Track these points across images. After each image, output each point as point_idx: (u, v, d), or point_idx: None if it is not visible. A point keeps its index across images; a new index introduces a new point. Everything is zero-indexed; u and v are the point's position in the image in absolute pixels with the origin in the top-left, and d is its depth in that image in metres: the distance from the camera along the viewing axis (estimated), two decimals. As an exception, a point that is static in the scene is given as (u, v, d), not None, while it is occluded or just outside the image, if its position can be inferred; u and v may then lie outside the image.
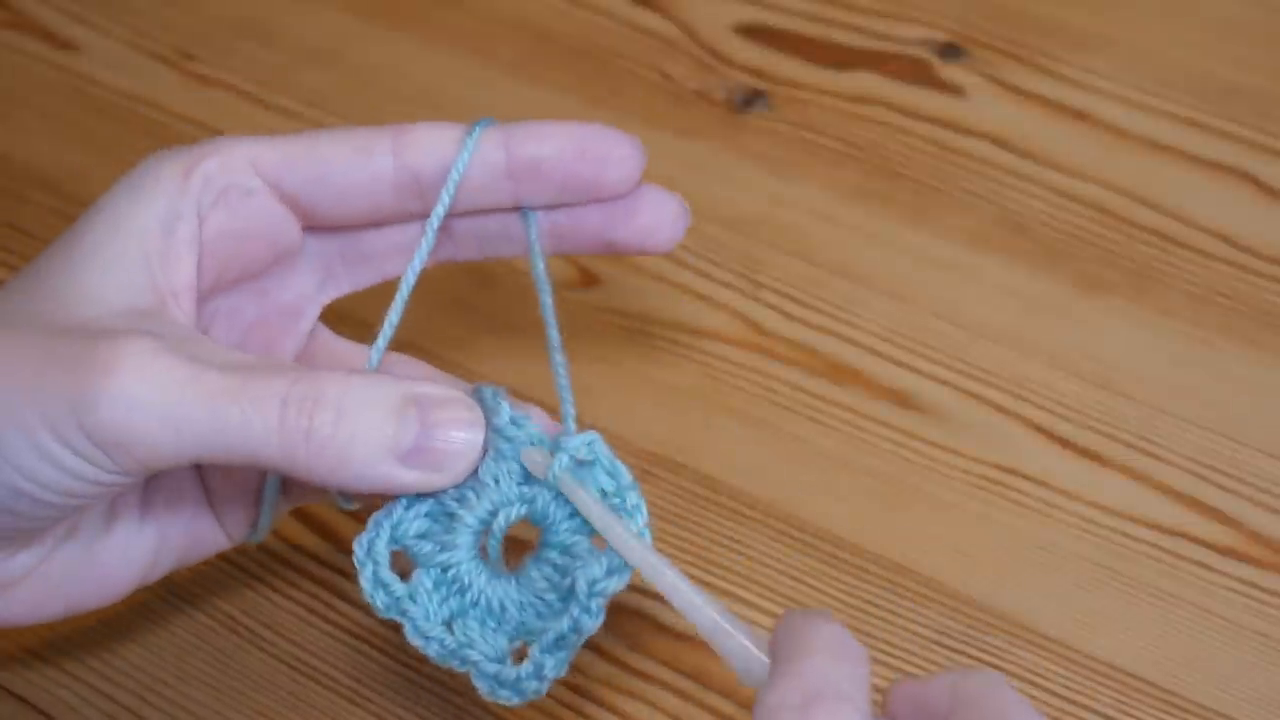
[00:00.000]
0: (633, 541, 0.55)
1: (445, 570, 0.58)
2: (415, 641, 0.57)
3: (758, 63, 0.88)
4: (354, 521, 0.72)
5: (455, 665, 0.57)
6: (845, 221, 0.81)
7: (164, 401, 0.54)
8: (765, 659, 0.52)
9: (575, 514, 0.57)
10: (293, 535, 0.72)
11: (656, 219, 0.61)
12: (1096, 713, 0.66)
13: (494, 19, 0.91)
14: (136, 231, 0.58)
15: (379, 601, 0.58)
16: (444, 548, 0.58)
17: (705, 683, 0.67)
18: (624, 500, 0.57)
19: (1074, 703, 0.66)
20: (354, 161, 0.59)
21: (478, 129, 0.60)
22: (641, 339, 0.77)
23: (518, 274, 0.79)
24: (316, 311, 0.63)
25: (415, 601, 0.57)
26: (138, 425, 0.54)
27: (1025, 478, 0.72)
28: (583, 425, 0.74)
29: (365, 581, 0.58)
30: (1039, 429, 0.74)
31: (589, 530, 0.57)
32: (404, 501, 0.58)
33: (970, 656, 0.67)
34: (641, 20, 0.90)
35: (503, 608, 0.58)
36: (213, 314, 0.61)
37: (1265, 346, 0.76)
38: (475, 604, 0.58)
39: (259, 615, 0.70)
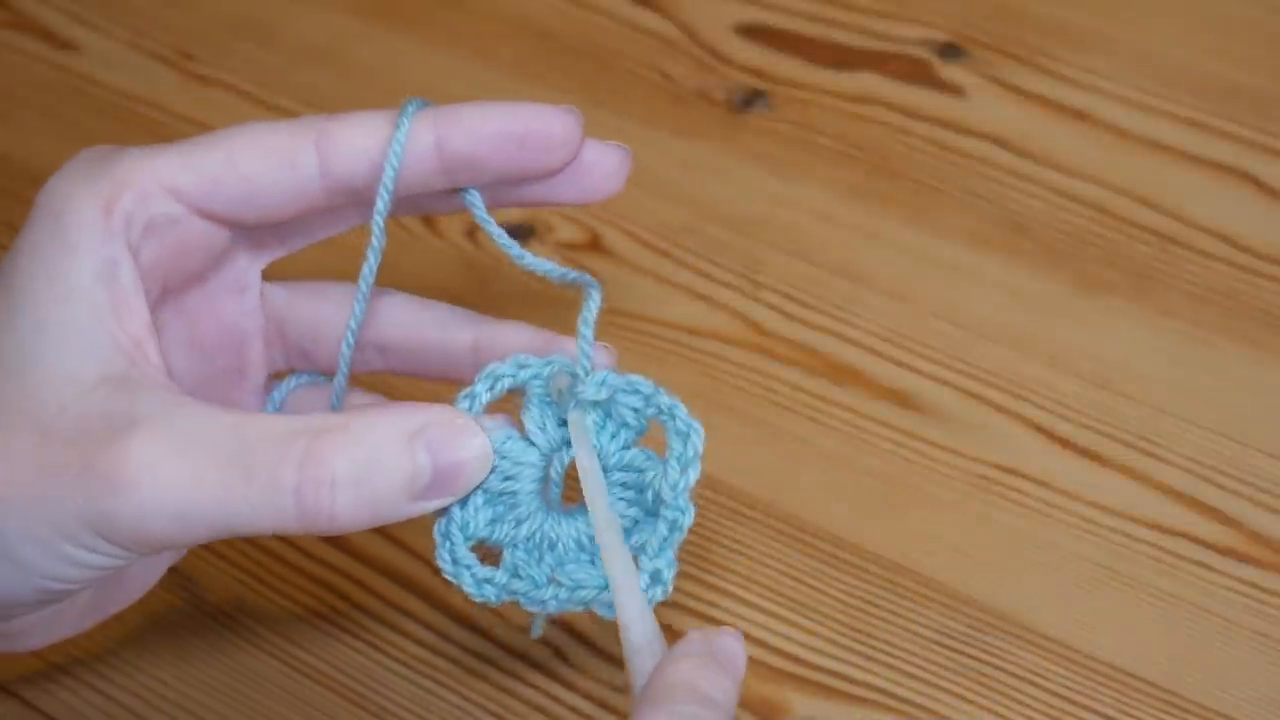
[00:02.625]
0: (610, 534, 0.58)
1: (529, 538, 0.59)
2: (534, 609, 0.59)
3: (758, 63, 0.88)
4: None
5: (577, 609, 0.59)
6: (845, 221, 0.81)
7: (176, 507, 0.54)
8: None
9: (619, 430, 0.59)
10: (292, 535, 0.72)
11: (599, 177, 0.59)
12: (1096, 713, 0.66)
13: (494, 19, 0.91)
14: (77, 291, 0.55)
15: (490, 595, 0.59)
16: (518, 521, 0.59)
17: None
18: (661, 410, 0.59)
19: (1074, 703, 0.66)
20: (278, 176, 0.57)
21: (405, 123, 0.58)
22: (641, 339, 0.77)
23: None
24: (257, 279, 0.62)
25: (520, 577, 0.59)
26: (154, 530, 0.54)
27: (1025, 478, 0.72)
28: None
29: (468, 587, 0.59)
30: (1039, 429, 0.74)
31: (637, 433, 0.59)
32: (455, 504, 0.58)
33: (970, 656, 0.67)
34: (641, 20, 0.90)
35: (582, 540, 0.59)
36: (159, 319, 0.60)
37: (1265, 346, 0.76)
38: (568, 551, 0.59)
39: (259, 615, 0.70)
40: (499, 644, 0.68)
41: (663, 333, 0.77)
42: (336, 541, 0.71)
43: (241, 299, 0.62)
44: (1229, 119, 0.84)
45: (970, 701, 0.66)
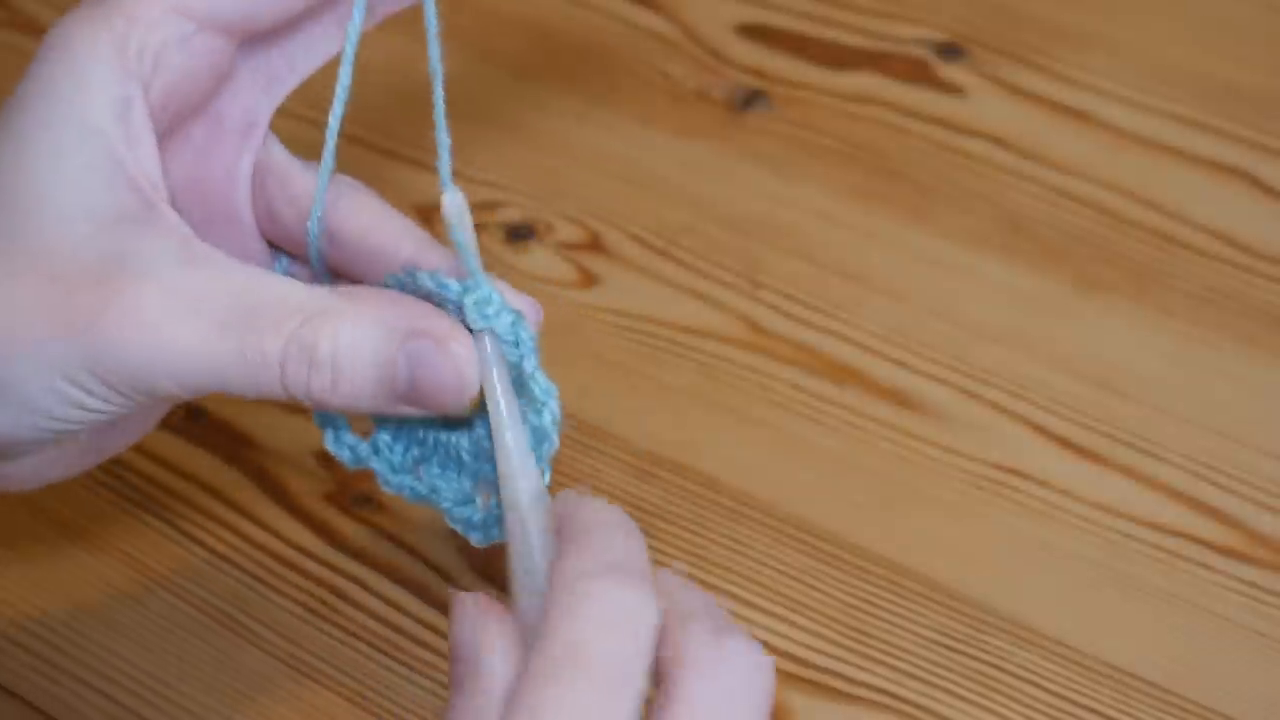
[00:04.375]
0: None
1: (401, 424, 0.60)
2: (386, 487, 0.60)
3: (758, 63, 0.88)
4: (353, 521, 0.72)
5: (431, 505, 0.59)
6: (845, 221, 0.81)
7: (176, 364, 0.54)
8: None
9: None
10: (293, 535, 0.72)
11: None
12: (1096, 713, 0.66)
13: (494, 19, 0.91)
14: (95, 129, 0.56)
15: (344, 456, 0.60)
16: None
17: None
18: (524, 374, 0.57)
19: (1074, 703, 0.66)
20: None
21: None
22: (641, 339, 0.77)
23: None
24: (267, 120, 0.61)
25: (378, 453, 0.60)
26: (154, 382, 0.55)
27: (1025, 478, 0.72)
28: (583, 425, 0.75)
29: (329, 443, 0.60)
30: (1039, 429, 0.74)
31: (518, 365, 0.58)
32: None
33: (970, 656, 0.67)
34: (641, 20, 0.90)
35: (459, 455, 0.59)
36: (164, 157, 0.59)
37: (1265, 346, 0.76)
38: (435, 451, 0.60)
39: (259, 615, 0.70)
40: (499, 644, 0.68)
41: (663, 333, 0.77)
42: (337, 541, 0.71)
43: (248, 141, 0.61)
44: (1229, 119, 0.84)
45: (970, 701, 0.66)
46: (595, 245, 0.81)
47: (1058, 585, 0.69)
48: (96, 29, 0.56)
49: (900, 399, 0.75)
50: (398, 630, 0.69)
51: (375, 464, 0.60)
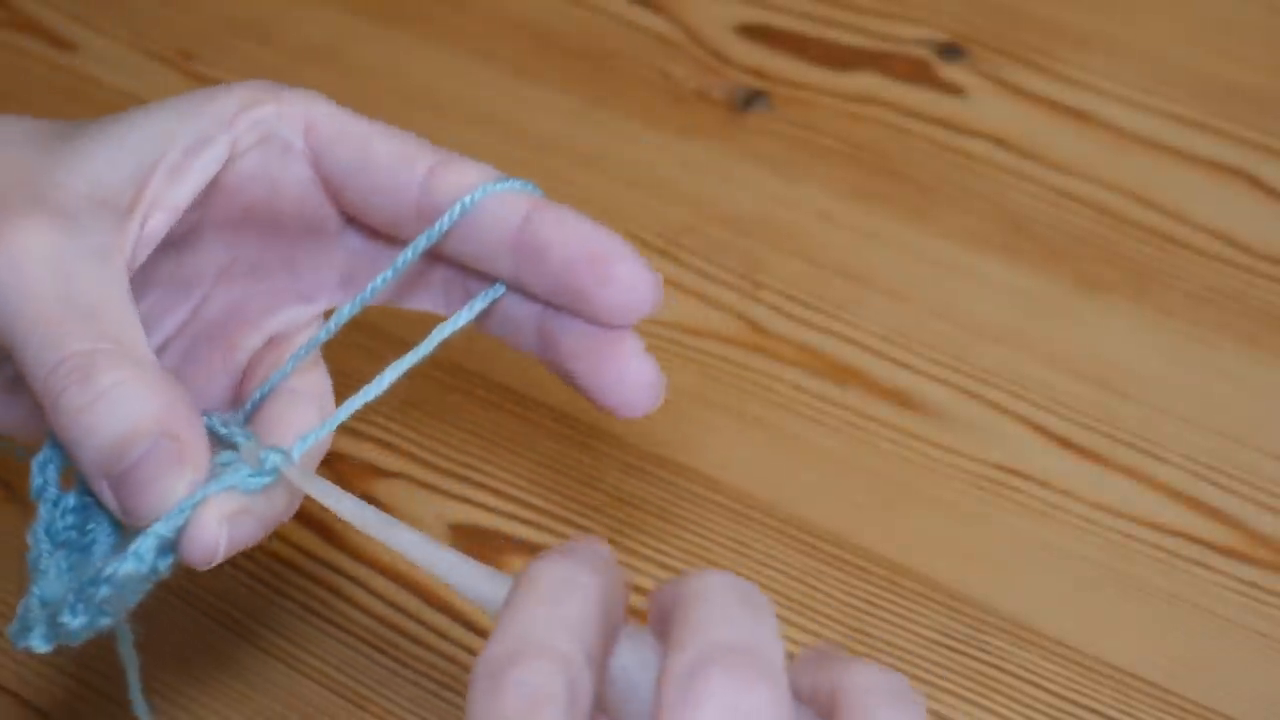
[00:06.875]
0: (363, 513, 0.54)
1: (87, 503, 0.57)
2: (31, 539, 0.57)
3: (758, 63, 0.88)
4: (354, 521, 0.72)
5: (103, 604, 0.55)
6: (845, 221, 0.81)
7: (13, 285, 0.54)
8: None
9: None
10: (293, 535, 0.72)
11: (625, 384, 0.57)
12: (1096, 713, 0.66)
13: (494, 19, 0.91)
14: (165, 136, 0.58)
15: (38, 481, 0.57)
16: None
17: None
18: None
19: (1074, 703, 0.66)
20: (393, 165, 0.58)
21: (513, 184, 0.57)
22: (642, 339, 0.77)
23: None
24: (324, 304, 0.61)
25: (55, 505, 0.57)
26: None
27: (1025, 478, 0.72)
28: (583, 425, 0.75)
29: (36, 463, 0.57)
30: (1039, 429, 0.74)
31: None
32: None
33: (970, 656, 0.67)
34: (641, 20, 0.90)
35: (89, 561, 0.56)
36: (230, 252, 0.60)
37: (1265, 346, 0.76)
38: (79, 546, 0.57)
39: (259, 615, 0.70)
40: (499, 644, 0.68)
41: (663, 333, 0.77)
42: (337, 541, 0.71)
43: (305, 309, 0.61)
44: (1229, 119, 0.84)
45: (970, 701, 0.66)
46: (595, 245, 0.81)
47: (1058, 585, 0.69)
48: (236, 93, 0.59)
49: (901, 399, 0.75)
50: (398, 630, 0.69)
51: (42, 509, 0.56)
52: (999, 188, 0.82)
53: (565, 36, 0.90)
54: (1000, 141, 0.84)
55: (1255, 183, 0.81)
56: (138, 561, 0.53)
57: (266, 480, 0.54)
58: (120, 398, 0.54)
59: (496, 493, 0.73)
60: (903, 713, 0.46)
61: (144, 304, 0.60)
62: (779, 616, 0.69)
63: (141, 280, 0.60)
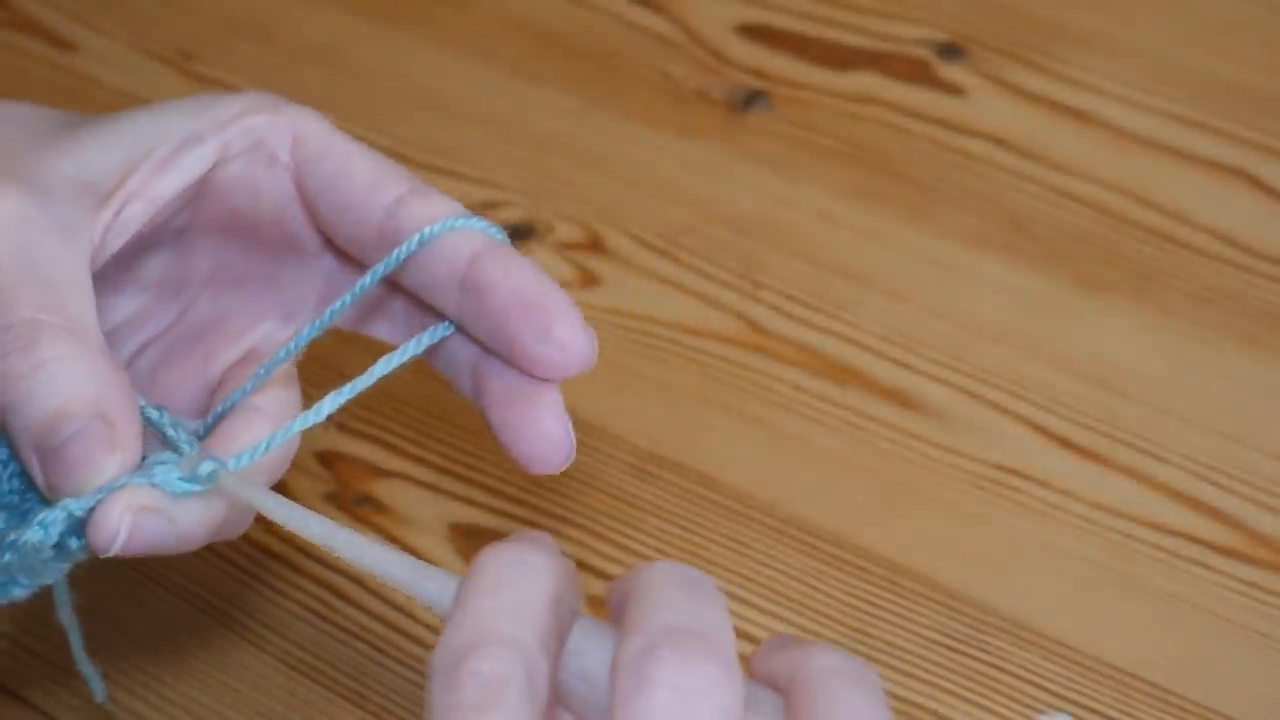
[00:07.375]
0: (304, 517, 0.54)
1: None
2: None
3: (758, 63, 0.88)
4: (354, 521, 0.72)
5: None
6: (845, 221, 0.81)
7: None
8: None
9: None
10: (292, 535, 0.72)
11: (539, 439, 0.56)
12: (1096, 713, 0.66)
13: (494, 19, 0.91)
14: (160, 133, 0.58)
15: None
16: None
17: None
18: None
19: (1074, 703, 0.66)
20: (366, 187, 0.58)
21: (476, 223, 0.57)
22: (641, 339, 0.77)
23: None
24: (298, 322, 0.61)
25: None
26: None
27: (1025, 478, 0.72)
28: (583, 424, 0.75)
29: None
30: (1039, 429, 0.74)
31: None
32: None
33: (970, 656, 0.67)
34: (641, 20, 0.90)
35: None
36: (217, 259, 0.60)
37: (1265, 346, 0.76)
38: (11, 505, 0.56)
39: (259, 615, 0.70)
40: (499, 644, 0.68)
41: (663, 333, 0.78)
42: (336, 541, 0.71)
43: (283, 327, 0.61)
44: (1229, 119, 0.84)
45: (970, 701, 0.66)
46: (595, 245, 0.81)
47: (1058, 585, 0.69)
48: (233, 102, 0.60)
49: (901, 399, 0.75)
50: (398, 630, 0.69)
51: None
52: (999, 188, 0.82)
53: (566, 37, 0.90)
54: (1000, 141, 0.84)
55: (1255, 183, 0.81)
56: (42, 532, 0.53)
57: (194, 488, 0.54)
58: (59, 372, 0.54)
59: (496, 493, 0.73)
60: (859, 691, 0.46)
61: (133, 304, 0.60)
62: (779, 616, 0.69)
63: (131, 280, 0.60)
